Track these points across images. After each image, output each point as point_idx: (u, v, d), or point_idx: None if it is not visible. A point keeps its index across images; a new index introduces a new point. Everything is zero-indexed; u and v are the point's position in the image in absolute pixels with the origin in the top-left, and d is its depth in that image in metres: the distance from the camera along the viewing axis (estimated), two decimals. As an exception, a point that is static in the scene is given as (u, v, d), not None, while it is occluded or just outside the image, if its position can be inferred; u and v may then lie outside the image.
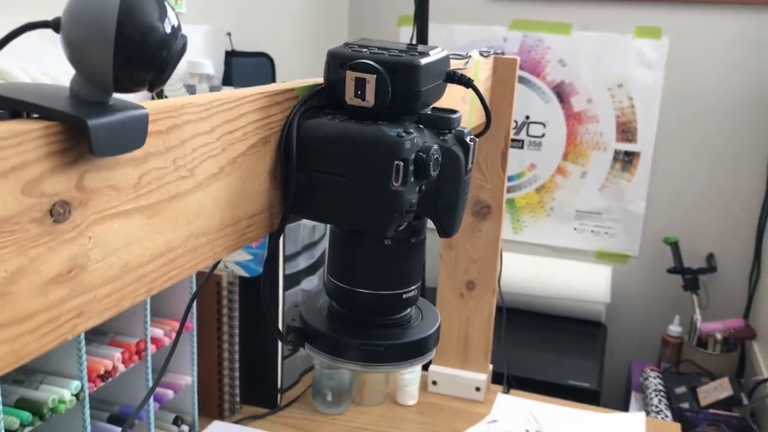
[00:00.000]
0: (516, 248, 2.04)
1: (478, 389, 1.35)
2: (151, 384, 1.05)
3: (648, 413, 1.66)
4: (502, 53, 1.24)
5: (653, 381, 1.74)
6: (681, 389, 1.68)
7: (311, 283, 1.40)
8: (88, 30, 0.32)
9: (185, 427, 1.16)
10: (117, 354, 0.98)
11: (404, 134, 0.50)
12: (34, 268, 0.31)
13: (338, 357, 0.59)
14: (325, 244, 1.47)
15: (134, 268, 0.38)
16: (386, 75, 0.52)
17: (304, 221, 1.36)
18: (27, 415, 0.83)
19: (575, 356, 1.76)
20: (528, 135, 1.97)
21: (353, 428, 1.25)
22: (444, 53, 0.59)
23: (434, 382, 1.38)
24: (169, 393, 1.11)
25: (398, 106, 0.53)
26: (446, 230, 0.57)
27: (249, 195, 0.49)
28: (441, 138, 0.55)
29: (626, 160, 1.90)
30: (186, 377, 1.15)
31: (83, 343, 0.90)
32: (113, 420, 1.03)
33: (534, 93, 1.95)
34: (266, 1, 1.68)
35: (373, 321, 0.60)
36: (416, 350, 0.61)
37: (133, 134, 0.35)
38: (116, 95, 0.35)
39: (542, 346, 1.81)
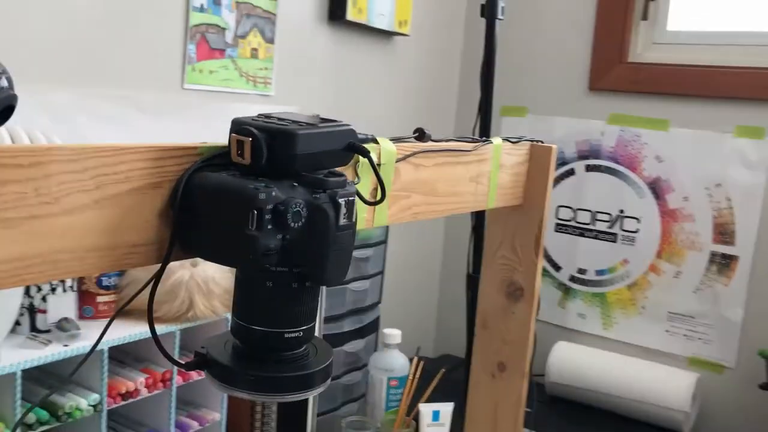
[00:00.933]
0: (606, 345, 1.96)
1: (502, 474, 1.33)
2: (174, 412, 1.17)
3: None
4: (541, 142, 1.27)
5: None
6: None
7: (356, 345, 1.47)
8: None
9: (209, 461, 1.26)
10: (141, 378, 1.11)
11: (261, 188, 0.59)
12: None
13: (227, 385, 0.67)
14: (377, 313, 1.54)
15: (-19, 265, 0.49)
16: (262, 139, 0.61)
17: (352, 286, 1.45)
18: (45, 414, 0.98)
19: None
20: (622, 229, 1.93)
21: (367, 490, 1.28)
22: (346, 128, 0.67)
23: (462, 461, 1.37)
24: (195, 424, 1.23)
25: (277, 167, 0.62)
26: (316, 280, 0.64)
27: (129, 228, 0.59)
28: (313, 195, 0.62)
29: (723, 263, 1.79)
30: (214, 414, 1.26)
31: (106, 362, 1.04)
32: (139, 440, 1.16)
33: (630, 187, 1.91)
34: (364, 89, 1.84)
35: (267, 356, 0.68)
36: (301, 384, 0.67)
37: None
38: None
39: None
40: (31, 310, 1.04)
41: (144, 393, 1.12)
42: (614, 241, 1.96)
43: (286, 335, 0.66)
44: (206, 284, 1.18)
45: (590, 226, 2.00)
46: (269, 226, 0.59)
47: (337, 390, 1.43)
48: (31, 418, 0.96)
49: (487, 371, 1.36)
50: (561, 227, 2.04)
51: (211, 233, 0.61)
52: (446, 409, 1.35)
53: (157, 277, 0.64)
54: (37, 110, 1.07)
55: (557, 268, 2.06)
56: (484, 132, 1.53)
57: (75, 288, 1.11)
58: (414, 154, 0.95)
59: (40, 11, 1.14)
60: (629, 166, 1.92)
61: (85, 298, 1.13)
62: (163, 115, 1.29)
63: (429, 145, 0.98)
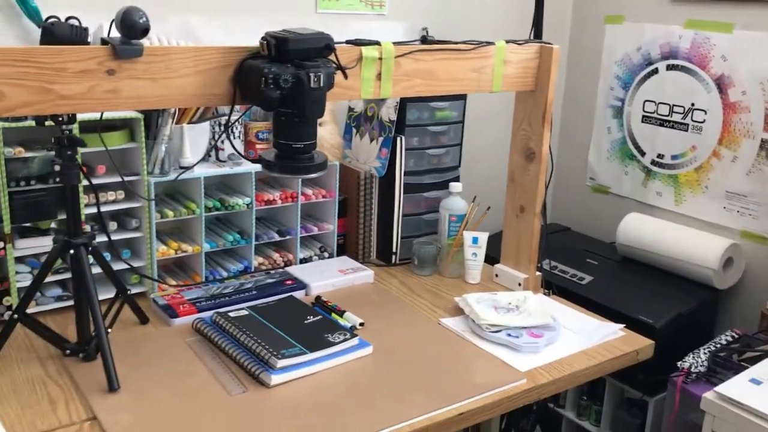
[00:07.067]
0: (676, 219, 2.20)
1: (519, 284, 1.78)
2: (299, 218, 1.79)
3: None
4: (548, 43, 1.62)
5: (725, 337, 1.83)
6: (738, 346, 1.76)
7: (436, 194, 1.96)
8: None
9: (326, 254, 1.87)
10: (278, 193, 1.74)
11: (267, 66, 1.12)
12: None
13: (267, 169, 1.25)
14: (457, 174, 2.00)
15: (143, 97, 1.11)
16: (272, 42, 1.15)
17: (430, 151, 1.93)
18: (218, 203, 1.65)
19: (660, 299, 1.94)
20: (692, 120, 2.11)
21: (427, 285, 1.81)
22: (325, 36, 1.18)
23: (496, 275, 1.84)
24: (315, 229, 1.84)
25: (280, 56, 1.15)
26: (303, 116, 1.17)
27: (213, 86, 1.17)
28: (297, 71, 1.15)
29: (771, 149, 1.93)
30: (329, 225, 1.87)
31: (254, 180, 1.68)
32: (279, 233, 1.80)
33: (700, 84, 2.07)
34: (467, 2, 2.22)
35: (286, 156, 1.24)
36: (303, 170, 1.23)
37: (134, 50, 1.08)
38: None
39: (639, 287, 2.02)
40: (216, 148, 1.71)
41: (279, 203, 1.75)
42: (686, 130, 2.18)
43: (293, 145, 1.22)
44: (319, 141, 1.76)
45: (668, 118, 2.22)
46: (271, 86, 1.14)
47: (420, 223, 1.95)
48: (209, 204, 1.65)
49: (513, 212, 1.80)
50: (646, 119, 2.29)
51: (250, 90, 1.17)
52: (483, 236, 1.81)
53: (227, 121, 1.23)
54: (184, 30, 1.68)
55: (642, 153, 2.32)
56: (537, 35, 1.88)
57: (243, 138, 1.76)
58: (411, 52, 1.42)
59: (224, -32, 1.74)
60: (700, 65, 2.10)
61: (249, 144, 1.78)
62: (301, 32, 1.85)
63: (425, 46, 1.44)
